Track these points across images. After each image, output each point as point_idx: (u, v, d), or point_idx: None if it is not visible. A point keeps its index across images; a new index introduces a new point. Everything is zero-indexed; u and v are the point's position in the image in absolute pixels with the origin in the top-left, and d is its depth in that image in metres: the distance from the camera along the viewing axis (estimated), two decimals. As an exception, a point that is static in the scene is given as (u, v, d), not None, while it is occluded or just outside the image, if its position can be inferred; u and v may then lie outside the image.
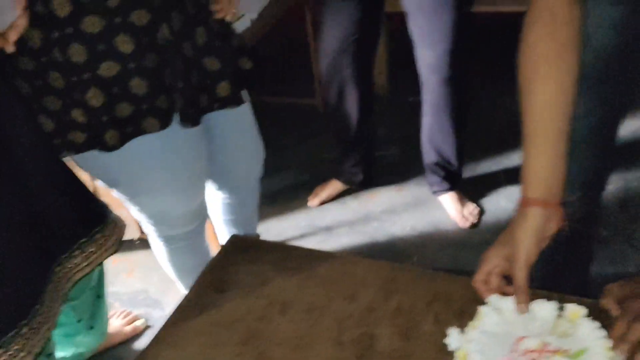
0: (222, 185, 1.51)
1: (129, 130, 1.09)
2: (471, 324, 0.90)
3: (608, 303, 0.90)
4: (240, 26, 1.98)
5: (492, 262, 0.92)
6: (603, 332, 0.82)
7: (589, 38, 1.04)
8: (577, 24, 0.88)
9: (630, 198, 2.03)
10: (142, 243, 2.17)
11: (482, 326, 0.87)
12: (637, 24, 1.03)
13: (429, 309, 0.97)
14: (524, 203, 0.89)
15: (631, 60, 1.08)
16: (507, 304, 0.88)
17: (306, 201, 2.25)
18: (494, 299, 0.91)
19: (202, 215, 1.45)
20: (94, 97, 1.05)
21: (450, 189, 2.06)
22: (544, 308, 0.87)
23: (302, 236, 2.12)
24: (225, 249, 1.16)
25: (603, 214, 1.91)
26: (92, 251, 1.16)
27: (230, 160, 1.42)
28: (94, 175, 1.28)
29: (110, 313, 1.90)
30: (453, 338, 0.89)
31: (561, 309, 0.89)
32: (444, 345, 0.90)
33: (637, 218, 1.95)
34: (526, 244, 0.87)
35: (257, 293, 1.05)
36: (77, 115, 1.07)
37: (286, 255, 1.12)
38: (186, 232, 1.42)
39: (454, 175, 2.05)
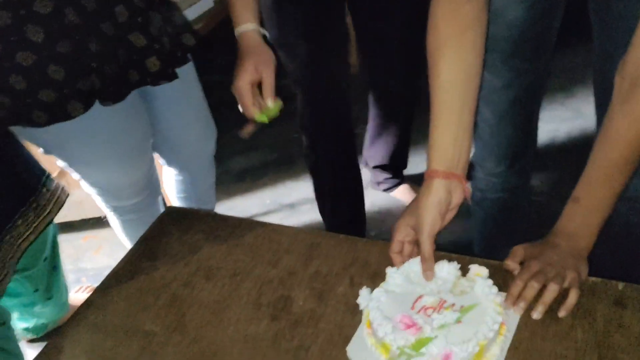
0: (171, 161, 1.54)
1: (55, 112, 1.13)
2: (381, 285, 0.93)
3: (511, 264, 0.94)
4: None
5: (403, 232, 0.95)
6: (495, 290, 0.86)
7: (500, 13, 1.06)
8: (481, 1, 0.90)
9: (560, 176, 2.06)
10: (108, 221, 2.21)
11: (387, 286, 0.90)
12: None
13: (345, 273, 1.01)
14: (429, 175, 0.92)
15: (543, 34, 1.10)
16: (413, 266, 0.92)
17: (273, 179, 2.29)
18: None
19: (149, 188, 1.48)
20: (17, 82, 1.09)
21: (399, 183, 2.07)
22: (445, 269, 0.90)
23: (266, 213, 2.16)
24: (160, 220, 1.20)
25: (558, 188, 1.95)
26: (31, 219, 1.20)
27: (177, 136, 1.46)
28: (29, 141, 1.31)
29: (77, 288, 1.94)
30: (362, 298, 0.93)
31: (463, 270, 0.92)
32: (356, 305, 0.94)
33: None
34: (430, 214, 0.90)
35: (186, 261, 1.09)
36: (3, 98, 1.11)
37: (218, 225, 1.16)
38: (134, 203, 1.46)
39: (400, 169, 2.05)
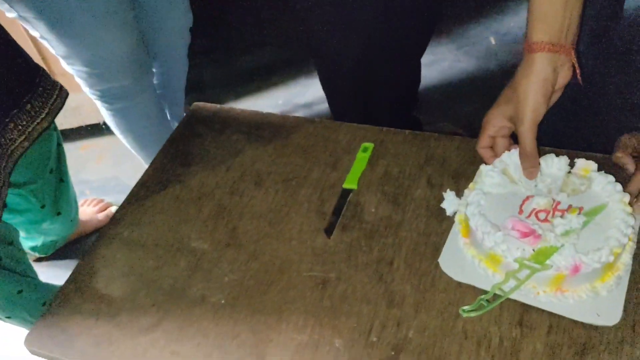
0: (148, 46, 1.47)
1: None
2: (470, 185, 0.79)
3: (622, 157, 0.79)
4: None
5: (496, 124, 0.79)
6: (619, 187, 0.72)
7: None
8: None
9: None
10: (109, 128, 2.03)
11: (483, 187, 0.76)
12: None
13: (420, 173, 0.86)
14: (529, 49, 0.75)
15: None
16: (511, 159, 0.77)
17: (284, 77, 2.10)
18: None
19: (136, 69, 1.38)
20: None
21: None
22: (553, 164, 0.76)
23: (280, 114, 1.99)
24: (187, 119, 1.03)
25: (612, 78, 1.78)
26: (24, 124, 1.02)
27: (153, 18, 1.40)
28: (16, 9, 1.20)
29: (82, 201, 1.79)
30: (449, 202, 0.79)
31: (571, 165, 0.78)
32: (440, 210, 0.80)
33: None
34: (533, 97, 0.73)
35: (227, 165, 0.93)
36: None
37: (258, 124, 0.99)
38: (121, 86, 1.38)
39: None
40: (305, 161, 0.91)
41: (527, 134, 0.74)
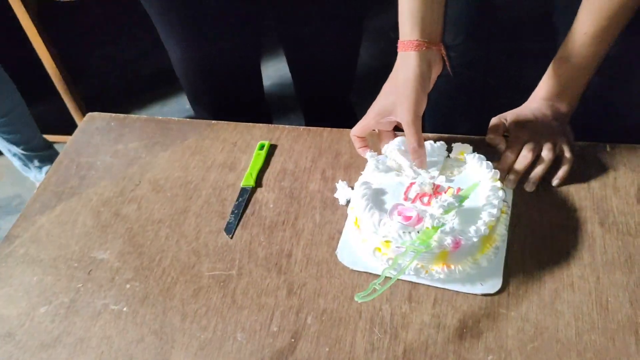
0: None
1: None
2: (360, 177, 0.83)
3: (494, 138, 0.86)
4: None
5: (375, 117, 0.83)
6: (490, 165, 0.78)
7: None
8: None
9: (517, 47, 2.02)
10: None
11: (369, 178, 0.80)
12: None
13: (314, 167, 0.89)
14: (405, 46, 0.80)
15: None
16: (392, 151, 0.82)
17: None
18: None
19: None
20: None
21: None
22: (433, 151, 0.81)
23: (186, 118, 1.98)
24: (82, 130, 1.02)
25: (492, 63, 1.90)
26: None
27: None
28: None
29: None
30: (341, 192, 0.83)
31: (449, 150, 0.84)
32: (334, 200, 0.84)
33: (523, 67, 1.95)
34: (414, 93, 0.78)
35: (124, 174, 0.93)
36: None
37: (155, 130, 1.00)
38: None
39: None
40: (203, 163, 0.92)
41: (412, 126, 0.78)
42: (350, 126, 0.88)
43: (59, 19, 1.75)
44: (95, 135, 1.01)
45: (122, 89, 2.13)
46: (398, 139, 0.83)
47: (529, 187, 0.81)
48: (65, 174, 0.94)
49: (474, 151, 0.83)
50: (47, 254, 0.83)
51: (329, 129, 0.95)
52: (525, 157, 0.81)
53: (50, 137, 1.95)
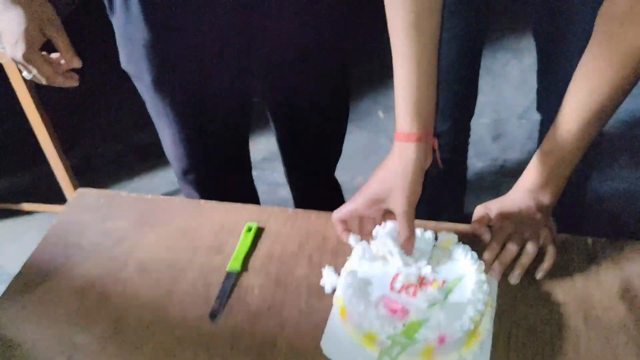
0: None
1: None
2: (347, 264, 0.84)
3: (479, 228, 0.88)
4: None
5: (363, 202, 0.85)
6: (475, 256, 0.79)
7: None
8: None
9: (501, 130, 2.09)
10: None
11: (355, 266, 0.81)
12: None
13: (301, 251, 0.90)
14: (404, 138, 0.83)
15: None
16: (384, 236, 0.83)
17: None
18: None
19: None
20: None
21: None
22: (421, 239, 0.82)
23: (177, 191, 1.99)
24: (72, 205, 1.02)
25: (478, 145, 1.95)
26: None
27: None
28: None
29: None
30: (327, 279, 0.83)
31: (435, 238, 0.85)
32: (320, 287, 0.84)
33: (507, 148, 2.01)
34: (410, 184, 0.81)
35: (110, 254, 0.93)
36: None
37: (143, 209, 1.00)
38: None
39: None
40: (190, 245, 0.93)
41: (407, 216, 0.80)
42: (336, 203, 0.90)
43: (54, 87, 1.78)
44: (84, 212, 1.01)
45: (111, 159, 2.15)
46: (390, 225, 0.83)
47: (513, 280, 0.82)
48: (51, 252, 0.94)
49: (459, 240, 0.84)
50: (27, 337, 0.81)
51: (317, 212, 0.96)
52: (509, 250, 0.82)
53: (36, 207, 1.95)
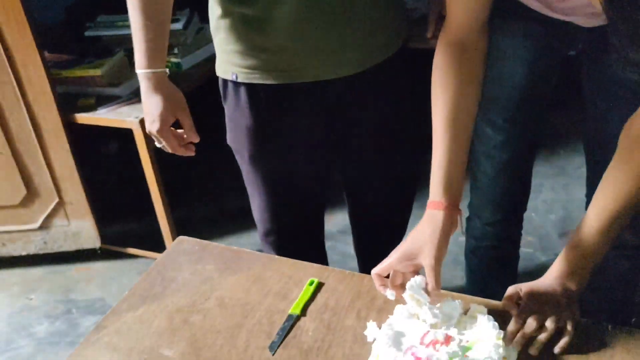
0: None
1: None
2: (388, 321, 0.99)
3: (508, 304, 1.00)
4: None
5: (397, 260, 1.01)
6: (496, 325, 0.92)
7: (505, 77, 1.17)
8: (483, 54, 1.01)
9: (569, 227, 2.16)
10: (103, 253, 2.24)
11: (395, 322, 0.96)
12: (543, 60, 1.16)
13: (352, 306, 1.06)
14: (437, 206, 1.00)
15: (540, 96, 1.21)
16: (418, 308, 0.98)
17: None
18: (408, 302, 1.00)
19: None
20: None
21: None
22: (450, 305, 0.96)
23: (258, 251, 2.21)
24: (171, 250, 1.25)
25: (544, 240, 2.04)
26: None
27: None
28: None
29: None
30: (370, 330, 0.98)
31: (467, 309, 0.99)
32: (363, 337, 0.99)
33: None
34: (437, 241, 0.98)
35: (198, 290, 1.13)
36: None
37: (229, 258, 1.21)
38: None
39: None
40: (262, 289, 1.12)
41: (434, 270, 0.96)
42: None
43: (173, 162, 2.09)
44: (181, 255, 1.23)
45: (208, 219, 2.43)
46: (419, 278, 0.98)
47: (532, 351, 0.93)
48: (151, 282, 1.16)
49: (488, 313, 0.97)
50: (125, 344, 1.02)
51: (369, 275, 1.12)
52: (530, 324, 0.94)
53: (139, 252, 2.23)
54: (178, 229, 2.08)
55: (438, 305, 0.96)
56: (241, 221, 2.35)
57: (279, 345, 0.99)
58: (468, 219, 1.45)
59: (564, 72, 1.25)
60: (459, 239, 1.53)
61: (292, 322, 1.04)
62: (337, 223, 2.29)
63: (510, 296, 1.01)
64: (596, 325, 0.98)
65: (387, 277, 1.04)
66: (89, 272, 2.20)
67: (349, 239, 2.22)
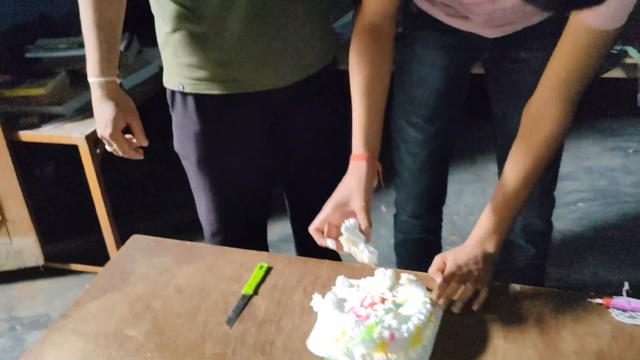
0: None
1: None
2: (332, 290, 1.12)
3: (434, 273, 1.16)
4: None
5: (330, 211, 1.13)
6: (424, 287, 1.08)
7: (424, 80, 1.35)
8: (392, 38, 1.20)
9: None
10: (47, 270, 2.26)
11: (337, 290, 1.10)
12: (456, 66, 1.36)
13: (299, 284, 1.19)
14: (358, 158, 1.15)
15: (455, 99, 1.41)
16: (355, 247, 1.11)
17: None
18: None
19: None
20: None
21: None
22: (384, 274, 1.11)
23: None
24: (127, 247, 1.34)
25: (466, 239, 2.23)
26: None
27: None
28: None
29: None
30: (316, 302, 1.11)
31: (398, 278, 1.14)
32: (310, 308, 1.12)
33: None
34: (365, 186, 1.11)
35: (156, 279, 1.23)
36: None
37: (184, 251, 1.31)
38: None
39: None
40: (216, 276, 1.22)
41: (364, 211, 1.10)
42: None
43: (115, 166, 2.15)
44: (137, 251, 1.32)
45: (154, 233, 2.48)
46: (352, 220, 1.10)
47: (454, 309, 1.09)
48: (110, 276, 1.25)
49: (417, 280, 1.13)
50: (90, 329, 1.10)
51: (314, 259, 1.26)
52: (452, 287, 1.10)
53: (83, 267, 2.27)
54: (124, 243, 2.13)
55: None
56: (187, 236, 2.43)
57: (235, 320, 1.10)
58: (395, 215, 1.61)
59: (479, 89, 1.45)
60: (390, 241, 1.70)
61: (246, 300, 1.15)
62: (277, 232, 2.41)
63: (436, 265, 1.17)
64: (505, 286, 1.15)
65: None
66: (32, 290, 2.21)
67: (291, 247, 2.35)
